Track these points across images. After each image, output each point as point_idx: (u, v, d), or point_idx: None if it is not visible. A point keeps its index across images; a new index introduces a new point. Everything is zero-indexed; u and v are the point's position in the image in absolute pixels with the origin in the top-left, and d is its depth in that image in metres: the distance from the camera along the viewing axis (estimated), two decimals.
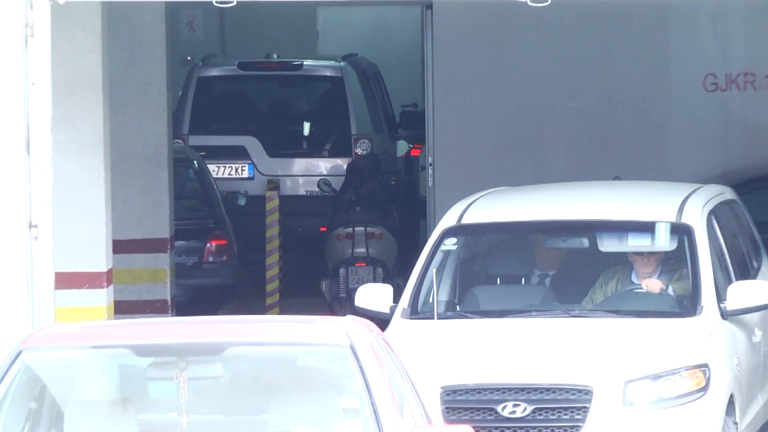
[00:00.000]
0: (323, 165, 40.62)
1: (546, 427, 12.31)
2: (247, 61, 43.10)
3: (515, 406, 12.19)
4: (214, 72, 40.90)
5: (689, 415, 12.43)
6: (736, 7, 32.94)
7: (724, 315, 14.08)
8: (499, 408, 12.25)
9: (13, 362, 11.46)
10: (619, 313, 14.15)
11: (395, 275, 32.74)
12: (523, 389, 12.43)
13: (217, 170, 37.51)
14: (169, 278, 30.15)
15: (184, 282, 31.77)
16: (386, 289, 14.90)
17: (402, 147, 42.51)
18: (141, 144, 29.56)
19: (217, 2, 18.38)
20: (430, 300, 14.19)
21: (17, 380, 11.47)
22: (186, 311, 30.24)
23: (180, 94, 38.88)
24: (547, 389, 12.47)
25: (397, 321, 14.16)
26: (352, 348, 10.72)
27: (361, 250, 33.83)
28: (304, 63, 42.67)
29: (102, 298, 23.03)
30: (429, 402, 11.33)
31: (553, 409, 12.38)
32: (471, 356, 13.24)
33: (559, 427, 12.28)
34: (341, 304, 31.16)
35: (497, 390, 12.47)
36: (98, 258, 22.94)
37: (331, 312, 28.71)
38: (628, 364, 12.78)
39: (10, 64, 17.47)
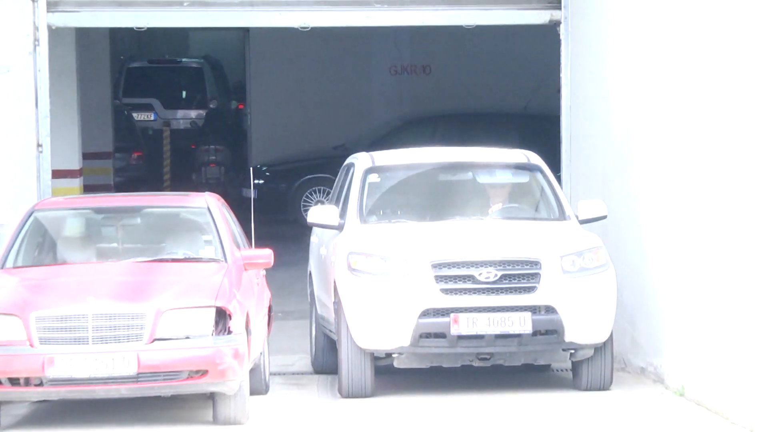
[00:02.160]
0: (193, 113, 55.70)
1: (511, 288, 15.92)
2: (152, 59, 59.10)
3: (488, 273, 15.73)
4: (135, 64, 55.26)
5: (602, 279, 16.38)
6: (409, 27, 36.74)
7: (580, 221, 17.93)
8: (476, 274, 15.76)
9: (28, 217, 18.17)
10: (519, 218, 17.94)
11: (232, 171, 50.72)
12: (493, 262, 15.92)
13: (138, 116, 52.15)
14: (112, 173, 44.69)
15: (120, 175, 46.65)
16: (333, 209, 17.92)
17: (234, 104, 60.23)
18: (95, 103, 40.64)
19: (137, 28, 25.54)
20: (371, 212, 17.66)
21: (30, 227, 18.17)
22: (121, 191, 41.11)
23: (117, 75, 52.50)
24: (510, 261, 16.05)
25: (356, 225, 17.31)
26: (208, 209, 17.61)
27: (213, 157, 50.41)
28: (182, 60, 61.26)
29: (76, 183, 34.06)
30: (422, 272, 16.08)
31: (516, 275, 16.00)
32: (447, 240, 16.68)
33: (521, 288, 15.92)
34: (202, 185, 43.99)
35: (474, 263, 15.95)
36: (74, 162, 33.19)
37: (198, 189, 29.67)
38: (558, 245, 16.53)
39: (26, 62, 23.23)
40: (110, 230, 18.47)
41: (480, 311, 15.75)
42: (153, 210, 18.63)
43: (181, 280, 15.59)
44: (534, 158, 18.18)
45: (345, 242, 16.57)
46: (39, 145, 22.84)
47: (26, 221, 17.49)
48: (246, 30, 39.65)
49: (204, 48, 37.16)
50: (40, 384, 14.76)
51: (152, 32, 31.55)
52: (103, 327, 14.69)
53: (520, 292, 15.72)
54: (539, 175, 17.59)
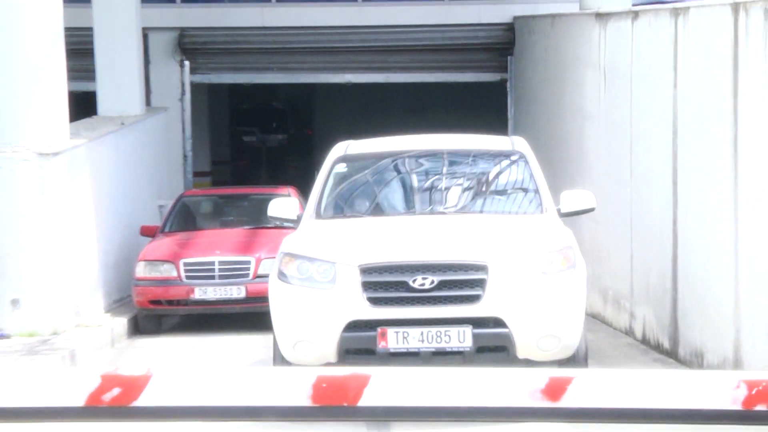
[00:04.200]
0: (279, 137, 38.94)
1: (450, 297, 9.75)
2: (254, 103, 39.67)
3: (423, 279, 9.55)
4: (244, 106, 37.81)
5: (565, 285, 9.94)
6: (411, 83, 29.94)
7: (560, 215, 11.30)
8: (410, 281, 9.60)
9: (179, 201, 18.55)
10: (484, 212, 11.39)
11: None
12: (429, 267, 9.76)
13: (246, 138, 37.55)
14: (229, 173, 34.62)
15: (234, 175, 35.30)
16: (294, 201, 12.41)
17: (305, 131, 41.45)
18: (219, 130, 32.34)
19: (245, 83, 28.02)
20: (328, 206, 11.50)
21: (180, 207, 18.51)
22: (234, 185, 30.81)
23: (233, 112, 38.49)
24: (450, 265, 9.87)
25: (307, 220, 11.34)
26: (289, 195, 18.81)
27: (292, 164, 37.52)
28: (273, 103, 41.43)
29: (208, 180, 28.30)
30: (348, 278, 9.87)
31: (456, 282, 9.82)
32: (381, 241, 10.56)
33: (462, 297, 9.70)
34: (286, 182, 28.19)
35: (408, 267, 9.82)
36: (206, 166, 27.89)
37: (283, 184, 21.86)
38: (515, 246, 10.23)
39: (177, 105, 23.10)
40: (229, 208, 19.62)
41: (412, 325, 9.75)
42: (255, 196, 19.16)
43: (272, 240, 14.95)
44: (518, 143, 12.07)
45: (286, 241, 10.85)
46: (185, 156, 23.86)
47: (177, 203, 18.37)
48: (313, 84, 31.22)
49: (287, 93, 35.99)
50: (186, 304, 16.15)
51: (255, 86, 28.34)
52: (225, 269, 15.99)
53: (460, 302, 9.71)
54: (520, 162, 11.53)
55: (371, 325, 9.75)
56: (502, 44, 25.11)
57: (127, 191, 18.36)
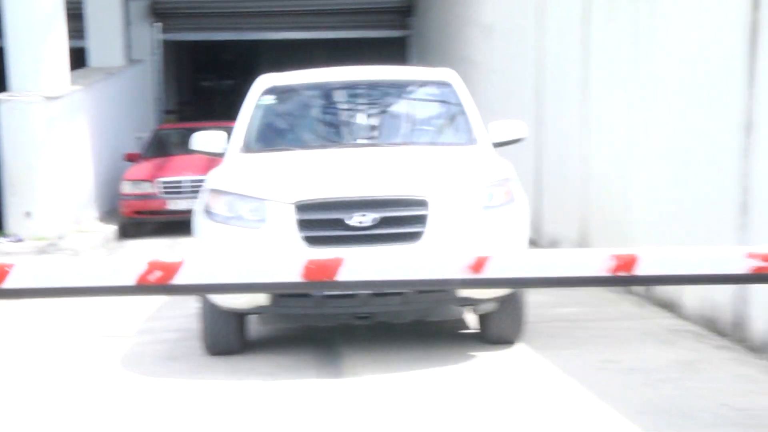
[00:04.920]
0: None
1: (391, 234, 7.08)
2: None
3: (362, 216, 6.98)
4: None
5: (507, 219, 7.35)
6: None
7: (494, 145, 8.43)
8: (346, 219, 6.99)
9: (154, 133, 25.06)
10: (417, 143, 8.45)
11: None
12: (367, 203, 7.09)
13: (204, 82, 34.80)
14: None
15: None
16: (220, 134, 8.57)
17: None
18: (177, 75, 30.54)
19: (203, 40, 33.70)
20: (255, 139, 8.47)
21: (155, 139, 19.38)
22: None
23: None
24: (390, 201, 7.15)
25: (234, 154, 8.30)
26: None
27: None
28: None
29: (172, 117, 27.20)
30: (282, 216, 7.12)
31: (397, 218, 7.11)
32: (315, 176, 7.62)
33: (403, 234, 7.08)
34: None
35: (346, 203, 7.10)
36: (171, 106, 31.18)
37: None
38: (454, 178, 7.50)
39: (151, 59, 23.48)
40: None
41: None
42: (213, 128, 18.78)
43: None
44: (447, 74, 9.20)
45: (212, 175, 8.03)
46: (157, 98, 24.02)
47: (154, 135, 18.64)
48: (257, 40, 28.68)
49: (238, 47, 33.21)
50: (162, 214, 16.05)
51: (212, 42, 27.63)
52: (192, 186, 14.91)
53: (402, 239, 7.26)
54: (450, 92, 8.87)
55: None
56: (404, 7, 25.16)
57: (113, 125, 18.36)
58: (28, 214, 13.51)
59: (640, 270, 3.34)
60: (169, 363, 7.62)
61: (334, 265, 3.32)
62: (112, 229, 15.94)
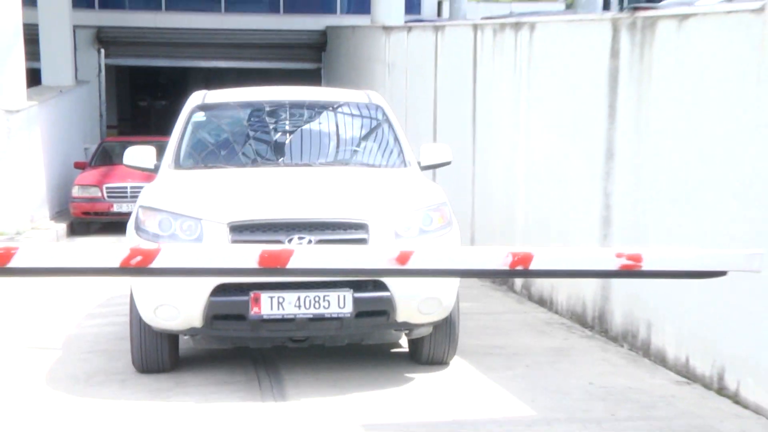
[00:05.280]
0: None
1: None
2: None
3: (300, 239, 6.00)
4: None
5: (443, 242, 6.41)
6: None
7: (421, 168, 7.64)
8: (285, 241, 5.98)
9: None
10: (350, 164, 7.35)
11: None
12: (306, 225, 6.10)
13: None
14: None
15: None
16: (150, 150, 7.48)
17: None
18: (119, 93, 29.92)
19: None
20: (187, 156, 7.41)
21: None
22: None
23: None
24: (330, 224, 6.15)
25: (166, 171, 7.26)
26: None
27: None
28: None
29: (114, 132, 30.60)
30: (216, 236, 6.10)
31: (336, 241, 6.10)
32: (251, 196, 6.57)
33: None
34: None
35: (283, 225, 6.10)
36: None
37: None
38: (393, 202, 6.53)
39: (95, 80, 23.61)
40: None
41: (288, 289, 6.00)
42: (152, 142, 16.63)
43: None
44: (375, 97, 8.35)
45: (144, 192, 6.95)
46: (101, 114, 23.97)
47: (100, 146, 18.33)
48: (188, 67, 27.93)
49: (171, 72, 32.16)
50: (107, 215, 16.02)
51: (149, 66, 27.53)
52: (134, 191, 14.97)
53: None
54: (380, 115, 8.00)
55: (242, 288, 6.04)
56: (318, 44, 25.21)
57: (64, 137, 18.29)
58: None
59: (535, 265, 3.43)
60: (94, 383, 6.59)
61: (286, 255, 3.36)
62: (63, 227, 15.80)
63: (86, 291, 9.68)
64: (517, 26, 9.88)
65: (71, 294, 9.56)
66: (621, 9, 21.14)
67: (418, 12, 22.51)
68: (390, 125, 7.96)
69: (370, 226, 6.27)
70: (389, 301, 6.17)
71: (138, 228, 6.48)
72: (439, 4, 25.96)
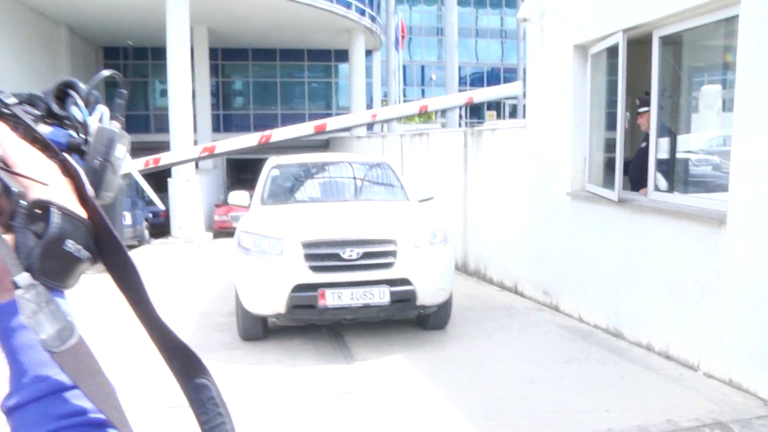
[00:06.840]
0: None
1: (372, 264, 8.44)
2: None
3: (351, 251, 8.48)
4: None
5: (444, 253, 8.81)
6: None
7: (418, 202, 9.82)
8: (341, 253, 8.43)
9: None
10: (375, 200, 10.18)
11: None
12: (354, 242, 8.46)
13: None
14: None
15: None
16: (245, 194, 10.72)
17: None
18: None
19: None
20: (269, 196, 10.26)
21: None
22: None
23: None
24: (371, 241, 8.50)
25: (256, 206, 9.83)
26: None
27: None
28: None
29: None
30: (293, 251, 8.17)
31: (375, 253, 8.46)
32: (315, 222, 8.74)
33: (380, 264, 8.45)
34: None
35: (339, 242, 8.43)
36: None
37: None
38: (410, 225, 8.78)
39: None
40: None
41: (344, 286, 8.44)
42: None
43: None
44: (384, 158, 11.48)
45: (242, 221, 9.37)
46: (224, 182, 32.30)
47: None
48: None
49: None
50: (229, 229, 21.70)
51: None
52: None
53: (379, 268, 8.72)
54: (388, 169, 10.97)
55: (312, 287, 8.08)
56: (322, 144, 29.30)
57: (210, 191, 26.28)
58: None
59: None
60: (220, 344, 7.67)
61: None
62: (211, 234, 22.34)
63: (207, 283, 10.97)
64: (420, 134, 13.46)
65: (196, 286, 10.96)
66: (467, 125, 23.68)
67: (372, 129, 25.07)
68: (395, 175, 9.65)
69: (397, 241, 7.60)
70: (413, 293, 7.54)
71: (239, 245, 7.62)
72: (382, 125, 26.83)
